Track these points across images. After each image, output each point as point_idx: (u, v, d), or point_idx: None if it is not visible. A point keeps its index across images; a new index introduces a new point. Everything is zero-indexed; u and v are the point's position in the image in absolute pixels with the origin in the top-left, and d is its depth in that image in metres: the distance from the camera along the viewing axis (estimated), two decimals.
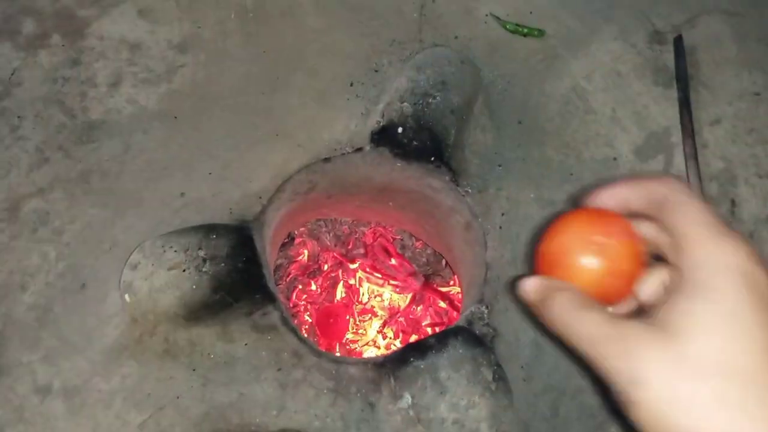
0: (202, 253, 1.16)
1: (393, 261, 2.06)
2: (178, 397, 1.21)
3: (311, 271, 2.07)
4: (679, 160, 1.53)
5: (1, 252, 1.37)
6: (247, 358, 1.23)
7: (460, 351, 1.14)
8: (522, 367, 1.29)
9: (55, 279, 1.35)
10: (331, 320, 2.08)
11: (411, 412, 1.12)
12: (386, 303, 2.07)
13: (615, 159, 1.51)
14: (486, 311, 1.30)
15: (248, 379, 1.22)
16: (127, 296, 1.17)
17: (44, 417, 1.25)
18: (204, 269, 1.15)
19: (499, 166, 1.45)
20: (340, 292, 2.07)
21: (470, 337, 1.17)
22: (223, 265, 1.17)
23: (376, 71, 1.54)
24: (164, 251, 1.16)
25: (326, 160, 1.42)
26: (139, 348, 1.24)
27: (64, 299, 1.32)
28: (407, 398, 1.13)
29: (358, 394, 1.22)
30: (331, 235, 2.08)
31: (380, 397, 1.20)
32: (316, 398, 1.22)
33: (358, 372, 1.23)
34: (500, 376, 1.14)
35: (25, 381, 1.28)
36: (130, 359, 1.24)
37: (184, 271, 1.14)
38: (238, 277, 1.18)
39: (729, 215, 1.48)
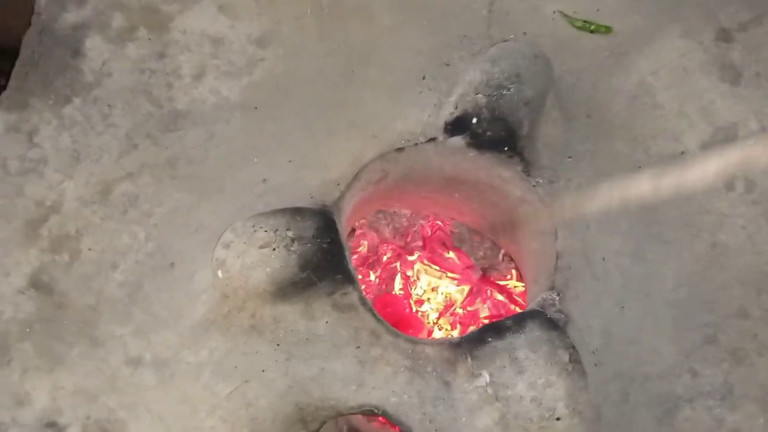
0: (290, 233, 1.22)
1: (450, 254, 2.10)
2: (263, 371, 1.28)
3: (370, 262, 2.13)
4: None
5: (94, 232, 1.46)
6: (327, 336, 1.29)
7: (537, 332, 1.17)
8: (593, 352, 1.32)
9: (145, 258, 1.43)
10: (389, 310, 2.12)
11: (489, 390, 1.16)
12: (443, 295, 2.11)
13: (682, 153, 1.54)
14: (557, 298, 1.34)
15: (329, 355, 1.28)
16: (219, 272, 1.23)
17: (135, 387, 1.32)
18: (292, 248, 1.21)
19: (569, 158, 1.49)
20: (398, 283, 2.12)
21: (546, 320, 1.21)
22: (309, 245, 1.23)
23: (448, 65, 1.59)
24: (255, 231, 1.23)
25: (399, 149, 1.48)
26: (226, 323, 1.31)
27: (153, 277, 1.40)
28: (485, 377, 1.17)
29: (434, 373, 1.26)
30: (390, 227, 2.13)
31: (456, 377, 1.24)
32: (394, 375, 1.27)
33: (433, 352, 1.28)
34: (576, 359, 1.17)
35: (118, 353, 1.36)
36: (217, 333, 1.31)
37: (274, 249, 1.21)
38: (323, 257, 1.24)
39: None
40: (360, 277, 2.10)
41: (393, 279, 2.13)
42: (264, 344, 1.29)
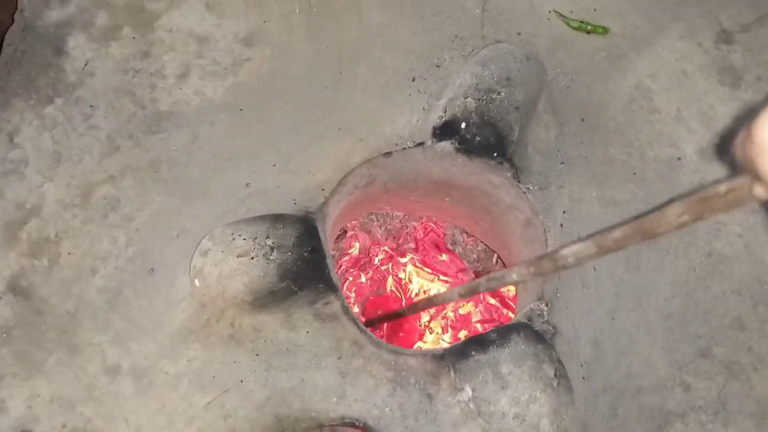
0: (270, 242, 1.19)
1: (443, 256, 2.07)
2: (242, 381, 1.25)
3: (362, 263, 2.09)
4: None
5: (74, 236, 1.43)
6: (308, 346, 1.26)
7: (522, 347, 1.14)
8: (581, 365, 1.28)
9: (125, 263, 1.40)
10: (380, 312, 2.09)
11: (471, 405, 1.13)
12: None
13: (679, 159, 1.49)
14: (546, 308, 1.30)
15: (309, 366, 1.25)
16: (197, 281, 1.20)
17: (113, 396, 1.30)
18: (272, 257, 1.18)
19: (562, 163, 1.45)
20: (389, 285, 2.08)
21: (532, 333, 1.17)
22: (289, 253, 1.19)
23: (438, 66, 1.55)
24: (233, 239, 1.19)
25: (387, 154, 1.44)
26: (205, 332, 1.28)
27: (133, 283, 1.37)
28: (468, 391, 1.14)
29: (417, 385, 1.23)
30: (382, 228, 2.10)
31: (439, 389, 1.21)
32: (376, 388, 1.24)
33: (417, 363, 1.24)
34: (562, 374, 1.14)
35: (96, 361, 1.33)
36: (195, 343, 1.28)
37: (252, 258, 1.17)
38: (304, 266, 1.20)
39: None
40: (351, 279, 2.07)
41: (385, 281, 2.10)
42: (243, 354, 1.26)
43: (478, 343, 1.16)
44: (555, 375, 1.12)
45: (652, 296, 1.39)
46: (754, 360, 1.36)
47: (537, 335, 1.18)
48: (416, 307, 1.51)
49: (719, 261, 1.43)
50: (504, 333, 1.16)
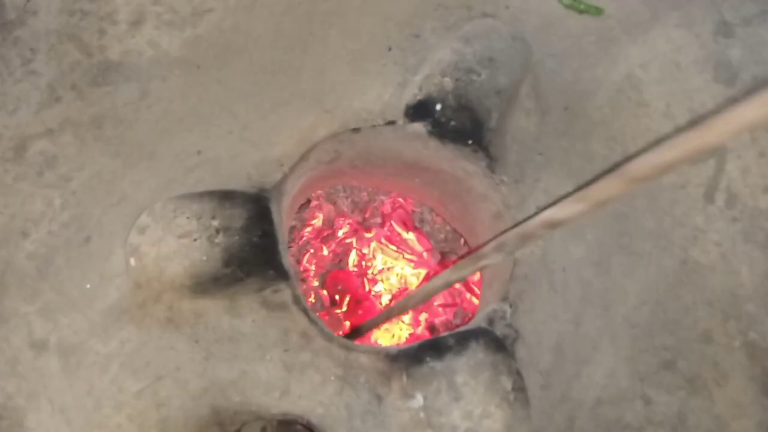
0: (215, 223, 1.08)
1: (410, 234, 1.98)
2: (178, 369, 1.15)
3: (325, 236, 2.00)
4: (730, 167, 1.42)
5: (4, 193, 1.30)
6: (253, 335, 1.17)
7: (480, 355, 1.06)
8: (541, 373, 1.22)
9: (59, 228, 1.28)
10: (340, 287, 2.01)
11: (421, 414, 1.06)
12: (398, 277, 2.00)
13: None
14: (509, 310, 1.23)
15: (253, 357, 1.16)
16: (132, 260, 1.09)
17: (38, 373, 1.19)
18: (216, 241, 1.07)
19: (540, 154, 1.35)
20: (352, 260, 2.00)
21: (492, 340, 1.09)
22: (237, 237, 1.09)
23: (417, 37, 1.42)
24: (175, 216, 1.08)
25: (355, 130, 1.32)
26: (140, 313, 1.18)
27: (67, 251, 1.26)
28: (419, 399, 1.06)
29: (367, 385, 1.15)
30: (348, 201, 1.99)
31: (389, 392, 1.14)
32: (323, 384, 1.16)
33: (368, 362, 1.16)
34: (520, 387, 1.07)
35: (21, 333, 1.22)
36: (130, 324, 1.18)
37: (195, 240, 1.07)
38: (252, 252, 1.10)
39: None
40: (312, 251, 1.98)
41: (347, 255, 2.01)
42: (181, 340, 1.16)
43: (434, 348, 1.09)
44: (512, 388, 1.05)
45: (620, 303, 1.32)
46: (717, 376, 1.31)
47: (497, 343, 1.10)
48: (404, 307, 1.40)
49: (693, 270, 1.37)
50: (462, 339, 1.09)
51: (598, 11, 1.49)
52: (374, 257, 2.00)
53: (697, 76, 1.48)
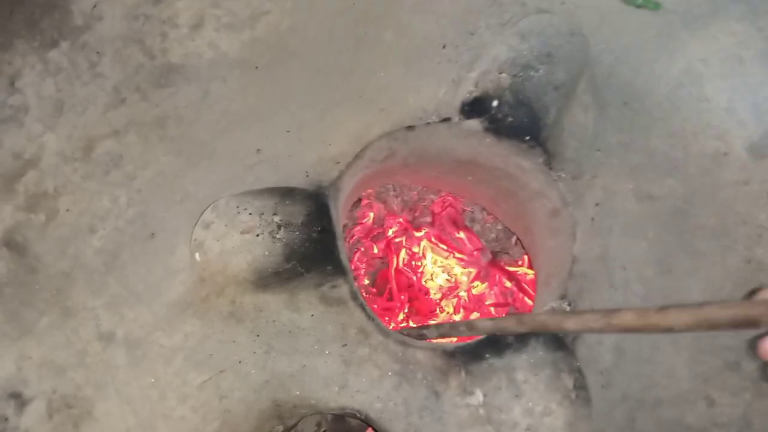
0: (277, 219, 1.10)
1: (461, 233, 1.97)
2: (239, 362, 1.18)
3: (375, 234, 2.01)
4: None
5: (73, 191, 1.35)
6: (312, 330, 1.18)
7: (541, 353, 1.06)
8: (601, 372, 1.20)
9: (125, 225, 1.32)
10: (390, 286, 2.02)
11: (481, 411, 1.06)
12: (448, 276, 1.99)
13: (725, 154, 1.37)
14: (569, 309, 1.21)
15: (312, 351, 1.18)
16: (197, 255, 1.12)
17: (105, 364, 1.24)
18: (278, 236, 1.09)
19: (598, 151, 1.33)
20: (402, 258, 2.00)
21: (552, 338, 1.08)
22: (297, 233, 1.10)
23: (472, 34, 1.42)
24: (239, 212, 1.11)
25: (410, 128, 1.33)
26: (204, 307, 1.21)
27: (132, 247, 1.30)
28: (478, 395, 1.06)
29: (424, 381, 1.16)
30: (398, 199, 2.00)
31: (447, 388, 1.14)
32: (380, 379, 1.16)
33: (425, 358, 1.17)
34: (581, 385, 1.06)
35: (89, 326, 1.27)
36: (193, 317, 1.21)
37: (257, 236, 1.09)
38: (312, 247, 1.12)
39: None
40: (363, 249, 1.99)
41: (397, 254, 2.02)
42: (243, 333, 1.19)
43: (494, 345, 1.08)
44: (574, 386, 1.04)
45: (683, 302, 1.29)
46: None
47: (557, 341, 1.09)
48: (448, 334, 1.37)
49: (758, 269, 1.33)
50: (522, 336, 1.08)
51: (656, 5, 1.47)
52: (424, 256, 2.00)
53: (760, 70, 1.43)
